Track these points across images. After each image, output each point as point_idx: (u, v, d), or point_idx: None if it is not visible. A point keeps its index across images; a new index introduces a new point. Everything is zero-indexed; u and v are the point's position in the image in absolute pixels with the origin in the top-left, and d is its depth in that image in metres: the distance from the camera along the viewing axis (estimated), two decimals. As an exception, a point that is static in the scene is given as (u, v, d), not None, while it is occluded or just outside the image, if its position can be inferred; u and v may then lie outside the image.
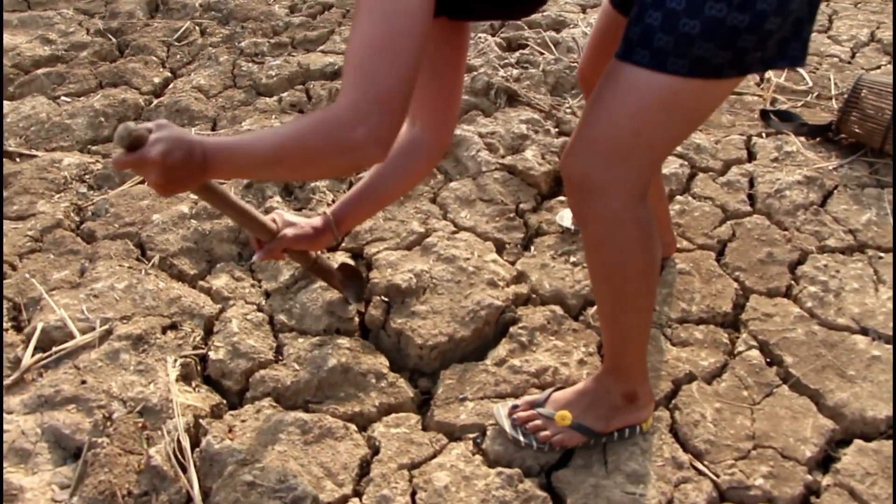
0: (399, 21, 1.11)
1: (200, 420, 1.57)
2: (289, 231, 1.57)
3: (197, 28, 3.24)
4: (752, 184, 2.23)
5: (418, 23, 1.13)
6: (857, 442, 1.53)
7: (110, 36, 3.17)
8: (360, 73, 1.11)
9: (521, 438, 1.50)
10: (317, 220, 1.62)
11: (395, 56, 1.11)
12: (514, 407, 1.54)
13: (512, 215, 2.12)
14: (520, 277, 1.92)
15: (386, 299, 1.82)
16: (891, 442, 1.52)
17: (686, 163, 2.31)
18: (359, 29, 1.13)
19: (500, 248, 2.02)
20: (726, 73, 1.18)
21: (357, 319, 1.81)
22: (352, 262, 1.93)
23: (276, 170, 1.27)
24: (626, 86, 1.20)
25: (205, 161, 1.18)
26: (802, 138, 2.41)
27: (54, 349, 1.70)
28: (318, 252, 1.72)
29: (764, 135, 2.45)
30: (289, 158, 1.19)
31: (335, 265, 1.82)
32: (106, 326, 1.75)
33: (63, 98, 2.74)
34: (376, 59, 1.11)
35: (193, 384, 1.67)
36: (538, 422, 1.50)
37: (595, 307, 1.82)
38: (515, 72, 2.78)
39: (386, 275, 1.88)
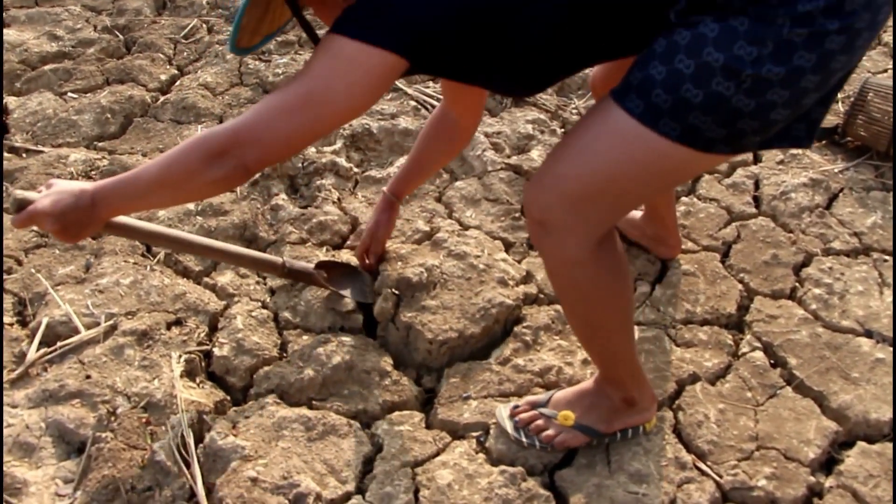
0: (324, 114, 1.19)
1: (204, 416, 1.57)
2: (370, 228, 1.88)
3: (204, 25, 3.25)
4: (757, 186, 2.23)
5: (344, 104, 1.19)
6: (861, 444, 1.53)
7: (117, 33, 3.17)
8: (259, 114, 1.20)
9: (524, 439, 1.51)
10: (382, 204, 1.92)
11: (297, 123, 1.18)
12: (516, 407, 1.54)
13: (517, 215, 2.12)
14: (528, 277, 1.92)
15: (396, 292, 1.82)
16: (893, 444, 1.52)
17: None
18: (298, 76, 1.19)
19: (506, 246, 2.02)
20: (717, 149, 1.14)
21: (361, 317, 1.81)
22: (355, 261, 1.94)
23: (162, 193, 1.30)
24: (611, 130, 1.15)
25: (93, 200, 1.30)
26: (808, 141, 2.41)
27: (59, 344, 1.71)
28: (286, 260, 1.83)
29: (770, 137, 2.44)
30: (171, 177, 1.25)
31: (310, 265, 1.83)
32: (111, 322, 1.76)
33: (70, 94, 2.74)
34: (280, 114, 1.18)
35: (198, 380, 1.68)
36: (540, 422, 1.51)
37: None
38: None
39: (397, 268, 1.88)
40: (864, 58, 2.91)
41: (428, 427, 1.59)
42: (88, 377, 1.62)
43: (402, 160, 2.30)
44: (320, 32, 1.26)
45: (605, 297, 1.31)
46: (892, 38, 3.07)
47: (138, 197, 1.31)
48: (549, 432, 1.49)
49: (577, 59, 1.29)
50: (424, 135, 1.84)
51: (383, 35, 1.15)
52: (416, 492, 1.44)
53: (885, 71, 2.82)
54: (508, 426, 1.53)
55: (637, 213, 1.97)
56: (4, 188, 1.29)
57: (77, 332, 1.73)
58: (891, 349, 1.71)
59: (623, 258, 1.32)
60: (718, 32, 1.06)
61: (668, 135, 1.11)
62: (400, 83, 2.74)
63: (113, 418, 1.55)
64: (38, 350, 1.69)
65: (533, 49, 1.22)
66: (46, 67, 2.87)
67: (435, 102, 2.59)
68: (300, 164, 2.25)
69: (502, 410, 1.56)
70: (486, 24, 1.18)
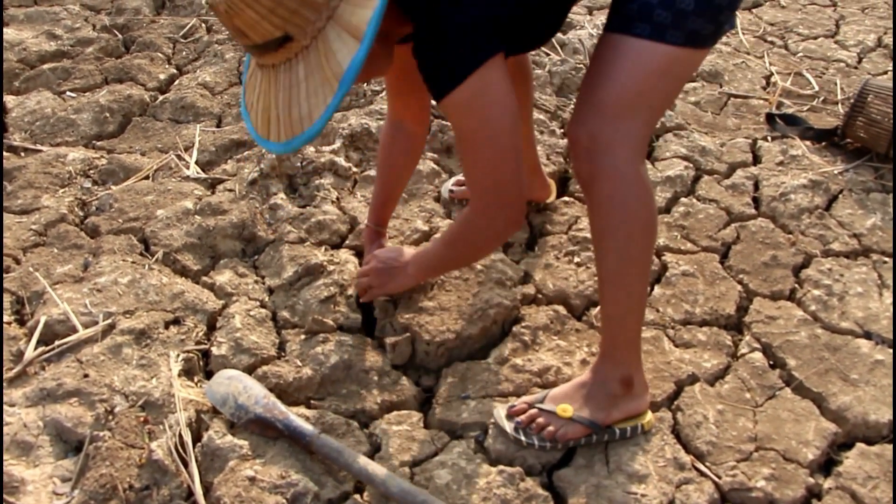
0: (503, 140, 1.37)
1: (202, 415, 1.57)
2: (371, 266, 1.83)
3: (203, 25, 3.24)
4: (756, 187, 2.23)
5: (508, 121, 1.36)
6: (860, 445, 1.52)
7: (116, 32, 3.17)
8: (480, 195, 1.47)
9: (523, 439, 1.50)
10: (369, 236, 1.92)
11: (506, 166, 1.40)
12: (513, 407, 1.54)
13: (516, 215, 2.12)
14: (526, 278, 1.91)
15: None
16: (892, 446, 1.52)
17: (691, 165, 2.31)
18: (471, 157, 1.42)
19: (505, 247, 2.01)
20: (708, 44, 1.36)
21: (360, 316, 1.81)
22: (356, 261, 1.93)
23: (460, 264, 1.80)
24: (628, 54, 1.33)
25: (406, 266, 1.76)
26: (808, 142, 2.41)
27: (57, 343, 1.70)
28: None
29: (769, 138, 2.45)
30: (459, 258, 1.68)
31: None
32: (109, 321, 1.75)
33: (68, 93, 2.74)
34: (490, 169, 1.40)
35: (196, 379, 1.67)
36: (541, 419, 1.50)
37: (597, 308, 1.82)
38: (521, 72, 2.77)
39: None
40: (865, 60, 2.92)
41: (426, 427, 1.59)
42: (86, 376, 1.62)
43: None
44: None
45: (646, 220, 1.42)
46: (891, 40, 3.07)
47: (440, 269, 1.78)
48: (550, 428, 1.49)
49: None
50: (384, 158, 1.86)
51: (479, 50, 1.29)
52: (415, 492, 1.44)
53: (885, 73, 2.83)
54: (507, 426, 1.52)
55: None
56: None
57: (75, 330, 1.73)
58: (890, 350, 1.71)
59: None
60: None
61: (675, 42, 1.30)
62: (399, 83, 2.73)
63: (111, 417, 1.54)
64: (35, 349, 1.69)
65: None
66: (45, 66, 2.86)
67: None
68: (299, 164, 2.25)
69: (500, 411, 1.55)
70: None
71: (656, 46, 1.31)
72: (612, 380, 1.50)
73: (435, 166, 2.27)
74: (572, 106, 2.58)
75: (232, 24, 1.17)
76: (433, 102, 1.49)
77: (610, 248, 1.44)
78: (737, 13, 1.44)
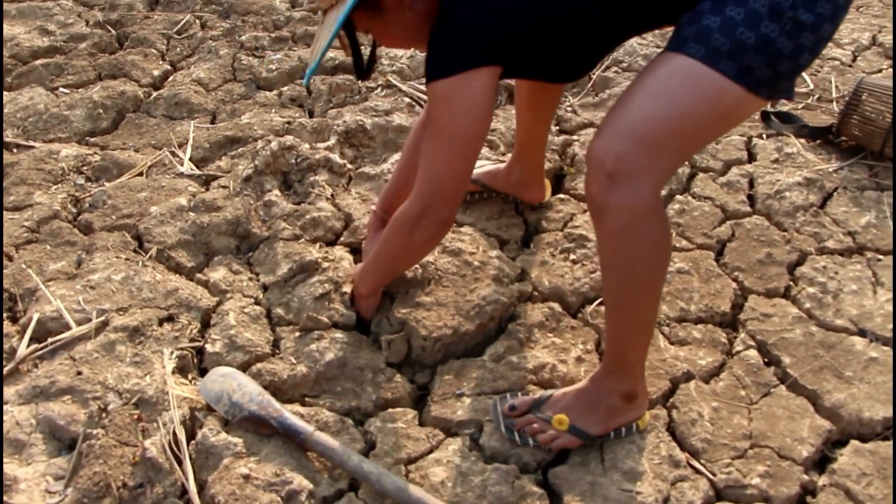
0: (462, 145, 1.41)
1: (196, 412, 1.56)
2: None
3: (197, 21, 3.23)
4: (751, 184, 2.23)
5: (477, 129, 1.41)
6: (854, 443, 1.53)
7: (110, 28, 3.16)
8: (425, 178, 1.46)
9: (518, 439, 1.50)
10: (374, 222, 1.92)
11: (455, 167, 1.43)
12: (512, 408, 1.53)
13: (511, 213, 2.11)
14: (523, 274, 1.91)
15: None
16: (887, 443, 1.52)
17: (686, 162, 2.31)
18: (430, 145, 1.44)
19: (501, 244, 2.01)
20: (761, 92, 1.25)
21: (355, 314, 1.80)
22: (351, 258, 1.93)
23: (395, 265, 1.72)
24: (677, 74, 1.25)
25: (353, 282, 1.81)
26: (803, 140, 2.41)
27: (50, 340, 1.69)
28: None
29: (764, 136, 2.45)
30: (393, 253, 1.64)
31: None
32: (102, 318, 1.74)
33: (61, 89, 2.72)
34: (440, 165, 1.43)
35: (190, 377, 1.67)
36: (536, 426, 1.50)
37: (593, 305, 1.82)
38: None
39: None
40: (860, 58, 2.92)
41: (421, 424, 1.59)
42: (79, 373, 1.61)
43: (396, 157, 2.29)
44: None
45: (661, 253, 1.35)
46: (891, 39, 3.08)
47: (379, 275, 1.73)
48: (545, 435, 1.49)
49: (623, 32, 1.44)
50: (411, 151, 1.84)
51: (475, 56, 1.34)
52: (410, 489, 1.44)
53: (880, 71, 2.83)
54: (502, 424, 1.52)
55: (501, 165, 2.11)
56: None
57: (68, 328, 1.72)
58: (884, 348, 1.71)
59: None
60: None
61: (728, 73, 1.22)
62: (394, 80, 2.73)
63: (104, 415, 1.54)
64: (28, 346, 1.68)
65: (598, 26, 1.39)
66: (38, 62, 2.85)
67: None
68: (293, 161, 2.24)
69: (497, 405, 1.55)
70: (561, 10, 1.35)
71: (706, 71, 1.23)
72: (614, 393, 1.48)
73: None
74: (567, 103, 2.58)
75: None
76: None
77: (619, 282, 1.38)
78: (794, 84, 1.37)
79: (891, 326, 1.76)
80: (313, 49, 1.45)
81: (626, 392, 1.48)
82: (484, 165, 2.15)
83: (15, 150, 2.40)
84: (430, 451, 1.52)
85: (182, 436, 1.49)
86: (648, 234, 1.30)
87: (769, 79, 1.24)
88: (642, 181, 1.26)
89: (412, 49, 2.43)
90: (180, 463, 1.46)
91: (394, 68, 2.81)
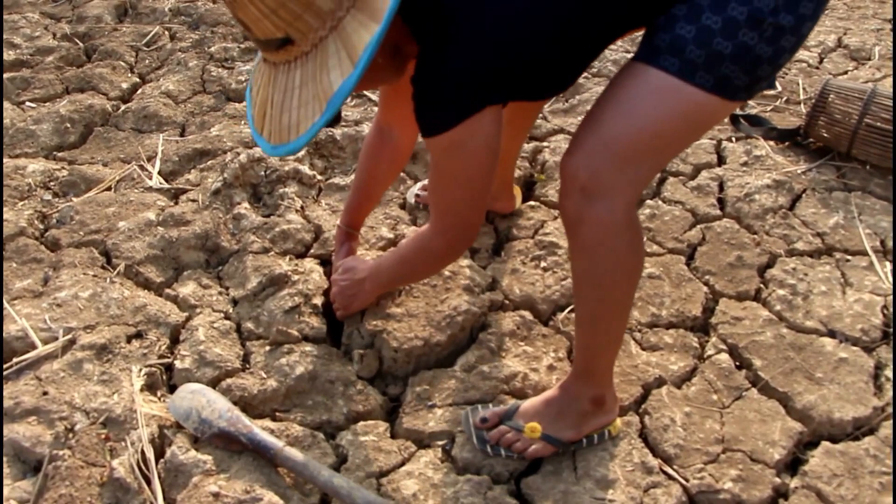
0: (480, 182, 1.36)
1: (165, 430, 1.54)
2: (338, 271, 1.82)
3: (166, 33, 3.21)
4: (721, 188, 2.24)
5: (486, 169, 1.35)
6: (825, 444, 1.53)
7: (77, 40, 3.13)
8: (449, 215, 1.45)
9: (490, 451, 1.49)
10: (340, 237, 1.89)
11: (476, 203, 1.42)
12: (483, 420, 1.52)
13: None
14: (493, 283, 1.90)
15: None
16: (857, 443, 1.53)
17: (656, 167, 2.31)
18: (443, 191, 1.42)
19: (472, 253, 2.01)
20: (738, 97, 1.23)
21: (325, 326, 1.79)
22: (321, 269, 1.92)
23: (413, 278, 1.78)
24: (650, 89, 1.22)
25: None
26: (771, 142, 2.43)
27: (15, 360, 1.66)
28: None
29: (734, 139, 2.46)
30: (413, 274, 1.72)
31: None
32: (69, 336, 1.72)
33: (28, 104, 2.69)
34: (459, 204, 1.41)
35: (159, 394, 1.65)
36: (509, 436, 1.49)
37: (564, 312, 1.81)
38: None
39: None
40: (826, 60, 2.95)
41: (393, 436, 1.58)
42: (45, 393, 1.58)
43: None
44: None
45: (634, 267, 1.34)
46: (856, 41, 3.11)
47: (394, 280, 1.74)
48: (518, 445, 1.48)
49: (603, 42, 1.35)
50: (367, 163, 1.83)
51: (478, 97, 1.25)
52: (382, 503, 1.43)
53: (846, 73, 2.86)
54: (473, 436, 1.51)
55: None
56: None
57: (34, 347, 1.69)
58: (853, 348, 1.72)
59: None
60: None
61: (704, 86, 1.19)
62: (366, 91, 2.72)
63: (71, 435, 1.51)
64: (-7, 366, 1.65)
65: (584, 43, 1.32)
66: (4, 76, 2.81)
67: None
68: (263, 173, 2.23)
69: (468, 416, 1.54)
70: (553, 31, 1.25)
71: (682, 86, 1.20)
72: (583, 398, 1.48)
73: (401, 173, 2.26)
74: (548, 108, 2.58)
75: (236, 16, 1.17)
76: None
77: (591, 296, 1.38)
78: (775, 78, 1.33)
79: (860, 326, 1.77)
80: (290, 116, 1.21)
81: (594, 397, 1.48)
82: None
83: (-20, 167, 2.36)
84: (402, 464, 1.51)
85: (151, 454, 1.47)
86: (621, 249, 1.30)
87: (747, 84, 1.22)
88: (616, 196, 1.26)
89: None
90: (149, 482, 1.44)
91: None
